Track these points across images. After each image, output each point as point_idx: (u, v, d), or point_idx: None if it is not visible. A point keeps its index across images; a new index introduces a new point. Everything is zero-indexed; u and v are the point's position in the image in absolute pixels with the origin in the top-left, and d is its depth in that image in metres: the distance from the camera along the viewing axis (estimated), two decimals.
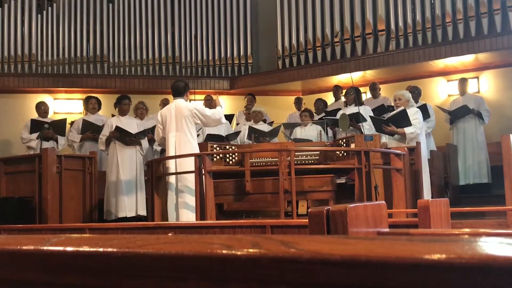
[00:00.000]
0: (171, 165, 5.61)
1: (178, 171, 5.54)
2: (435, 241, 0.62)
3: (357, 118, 6.96)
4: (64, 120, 7.88)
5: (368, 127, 6.90)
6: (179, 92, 5.88)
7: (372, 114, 7.20)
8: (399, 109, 6.60)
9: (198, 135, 6.14)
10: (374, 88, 8.72)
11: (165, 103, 9.23)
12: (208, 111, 5.82)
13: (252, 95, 9.39)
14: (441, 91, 9.28)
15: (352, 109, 7.36)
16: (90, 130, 7.76)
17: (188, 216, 5.42)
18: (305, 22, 9.90)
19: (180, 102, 5.82)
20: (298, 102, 9.64)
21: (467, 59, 8.62)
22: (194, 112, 5.73)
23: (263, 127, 8.01)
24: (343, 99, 9.21)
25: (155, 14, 10.44)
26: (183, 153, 5.50)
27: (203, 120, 5.79)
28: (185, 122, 5.69)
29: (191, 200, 5.38)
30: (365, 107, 7.53)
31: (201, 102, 9.54)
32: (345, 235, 1.33)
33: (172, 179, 5.61)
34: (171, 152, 5.64)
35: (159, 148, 7.65)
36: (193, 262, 0.71)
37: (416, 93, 7.71)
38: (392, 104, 7.21)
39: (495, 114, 8.21)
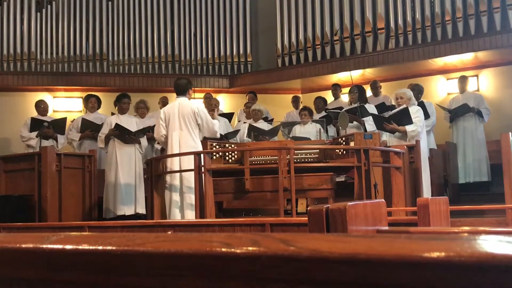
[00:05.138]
0: (175, 163, 5.58)
1: (182, 169, 5.52)
2: (434, 239, 0.62)
3: (362, 113, 6.96)
4: (64, 119, 7.89)
5: (371, 123, 6.91)
6: (182, 90, 5.85)
7: (375, 112, 7.20)
8: (401, 107, 6.60)
9: None
10: (375, 87, 8.72)
11: (164, 101, 9.22)
12: (210, 119, 5.82)
13: (253, 93, 9.38)
14: (440, 89, 9.28)
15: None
16: (89, 129, 7.75)
17: (192, 215, 5.42)
18: (304, 20, 9.90)
19: (184, 100, 5.79)
20: (295, 101, 9.64)
21: (467, 57, 8.61)
22: (196, 111, 5.70)
23: (263, 125, 8.00)
24: (342, 97, 9.21)
25: (155, 12, 10.43)
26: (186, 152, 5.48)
27: (202, 123, 5.75)
28: (188, 121, 5.66)
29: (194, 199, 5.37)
30: (369, 105, 7.51)
31: (200, 100, 9.55)
32: (344, 233, 1.33)
33: (176, 177, 5.59)
34: (174, 150, 5.60)
35: (159, 147, 7.65)
36: (193, 260, 0.71)
37: (416, 91, 7.70)
38: (393, 103, 7.21)
39: (495, 112, 8.21)
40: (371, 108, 7.38)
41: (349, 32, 9.41)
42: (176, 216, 5.50)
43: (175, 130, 5.67)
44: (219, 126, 7.36)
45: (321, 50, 9.64)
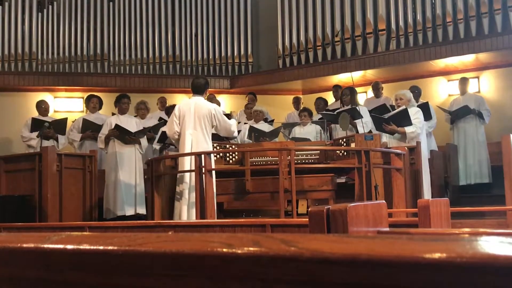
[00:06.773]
0: (186, 163, 5.50)
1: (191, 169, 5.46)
2: (435, 240, 0.62)
3: (353, 115, 6.95)
4: (65, 120, 7.89)
5: (364, 125, 6.90)
6: (199, 89, 5.73)
7: (368, 115, 7.20)
8: (400, 108, 6.60)
9: None
10: (376, 88, 8.71)
11: (162, 101, 9.23)
12: (227, 120, 5.75)
13: (253, 94, 9.38)
14: (441, 91, 9.28)
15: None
16: (90, 129, 7.75)
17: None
18: (305, 21, 9.90)
19: (200, 100, 5.69)
20: (296, 102, 9.64)
21: (468, 59, 8.61)
22: (213, 113, 5.61)
23: (264, 126, 7.99)
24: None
25: (156, 13, 10.44)
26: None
27: (218, 124, 5.66)
28: (203, 121, 5.57)
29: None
30: (362, 108, 7.52)
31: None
32: (345, 234, 1.33)
33: (186, 177, 5.55)
34: (186, 149, 5.52)
35: (157, 147, 7.65)
36: (194, 261, 0.70)
37: (416, 92, 7.69)
38: (393, 104, 7.21)
39: (496, 114, 8.21)
40: (363, 110, 7.38)
41: (350, 33, 9.41)
42: (183, 214, 5.47)
43: (188, 129, 5.58)
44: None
45: (322, 51, 9.64)
